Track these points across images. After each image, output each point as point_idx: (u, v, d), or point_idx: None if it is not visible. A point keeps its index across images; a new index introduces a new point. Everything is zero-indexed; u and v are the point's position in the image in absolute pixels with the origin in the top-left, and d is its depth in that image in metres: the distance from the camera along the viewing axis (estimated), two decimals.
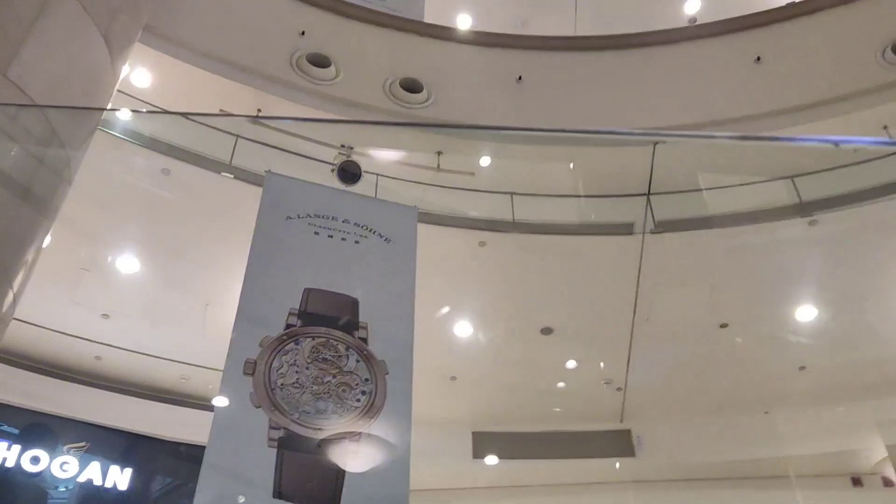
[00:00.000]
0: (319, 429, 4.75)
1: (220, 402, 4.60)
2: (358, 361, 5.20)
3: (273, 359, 5.00)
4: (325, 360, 5.14)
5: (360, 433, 4.79)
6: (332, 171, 6.30)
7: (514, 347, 9.87)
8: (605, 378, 10.35)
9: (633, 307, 8.97)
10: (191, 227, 8.07)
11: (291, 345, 5.11)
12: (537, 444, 10.78)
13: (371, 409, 4.98)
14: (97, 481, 9.48)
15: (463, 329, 9.32)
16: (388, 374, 5.20)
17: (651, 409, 10.92)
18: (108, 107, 4.59)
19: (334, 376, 5.05)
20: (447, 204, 7.38)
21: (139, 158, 7.14)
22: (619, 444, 10.96)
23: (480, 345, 9.67)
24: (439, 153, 7.14)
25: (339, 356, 5.19)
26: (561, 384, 10.31)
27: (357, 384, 5.08)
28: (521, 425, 10.77)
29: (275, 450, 4.53)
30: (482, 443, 10.84)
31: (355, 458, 4.64)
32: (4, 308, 3.37)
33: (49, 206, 3.79)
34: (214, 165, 6.81)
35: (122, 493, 9.60)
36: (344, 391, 5.01)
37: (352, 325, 5.39)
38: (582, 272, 8.57)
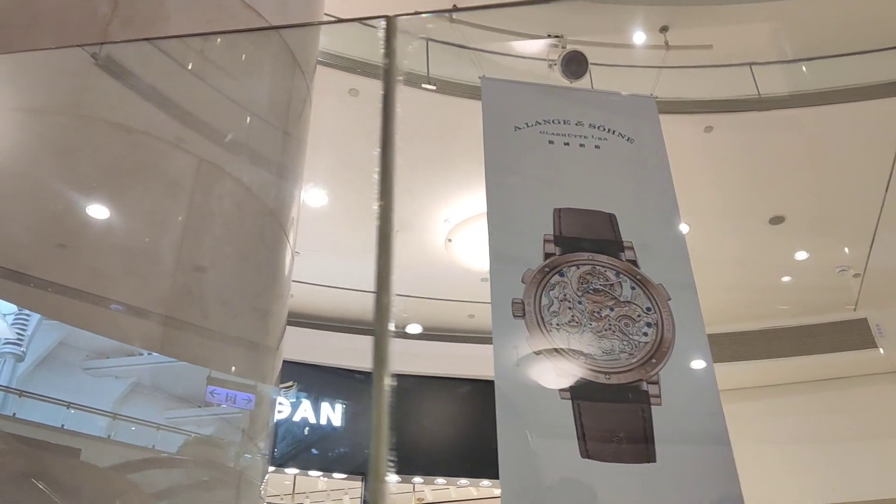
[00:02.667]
0: (611, 371, 4.12)
1: (498, 346, 4.02)
2: (633, 289, 4.51)
3: (541, 295, 4.38)
4: (596, 290, 4.49)
5: (656, 372, 4.13)
6: (551, 66, 5.42)
7: (735, 243, 8.84)
8: (839, 265, 9.18)
9: (886, 181, 7.68)
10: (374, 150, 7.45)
11: (556, 277, 4.48)
12: (760, 342, 9.88)
13: (662, 344, 4.29)
14: (311, 419, 9.55)
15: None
16: (670, 299, 4.49)
17: (893, 294, 9.70)
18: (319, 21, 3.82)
19: (612, 308, 4.40)
20: (670, 87, 6.32)
21: (319, 79, 6.52)
22: (856, 334, 9.87)
23: (696, 244, 8.72)
24: (664, 28, 6.06)
25: (611, 284, 4.51)
26: (786, 278, 9.25)
27: (639, 315, 4.40)
28: (742, 324, 9.86)
29: (569, 401, 3.96)
30: None
31: (660, 401, 4.00)
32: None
33: (302, 144, 3.13)
34: (410, 78, 6.12)
35: (336, 428, 9.64)
36: (626, 325, 4.35)
37: (616, 247, 4.68)
38: (825, 148, 7.34)
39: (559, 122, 5.25)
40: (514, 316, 4.25)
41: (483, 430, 11.59)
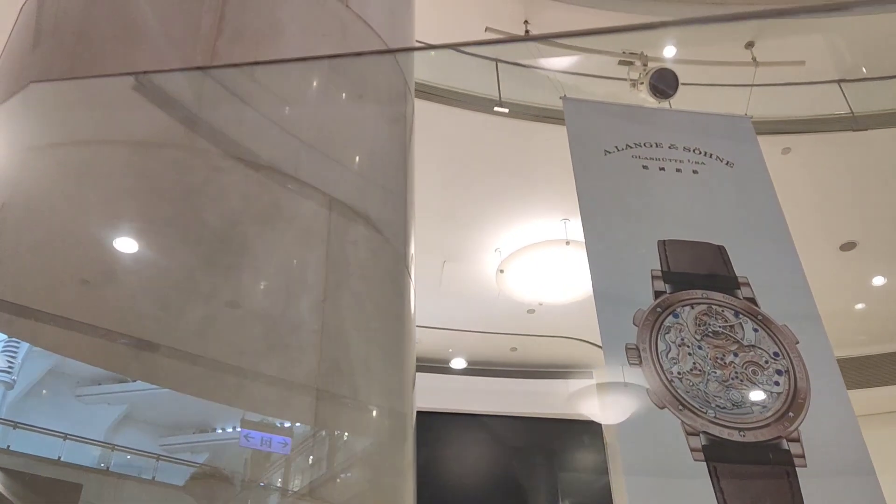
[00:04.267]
0: (745, 427, 3.66)
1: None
2: (756, 331, 4.06)
3: (656, 340, 3.94)
4: (716, 333, 4.04)
5: (796, 428, 3.67)
6: (634, 84, 5.01)
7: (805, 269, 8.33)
8: None
9: None
10: (423, 175, 7.01)
11: (670, 318, 4.04)
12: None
13: (797, 394, 3.84)
14: None
15: None
16: (798, 342, 4.04)
17: None
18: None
19: (735, 354, 3.96)
20: (746, 105, 5.90)
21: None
22: None
23: None
24: (750, 44, 5.66)
25: (731, 326, 4.07)
26: (860, 305, 8.79)
27: (766, 361, 3.96)
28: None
29: (703, 463, 3.50)
30: None
31: (804, 462, 3.54)
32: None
33: (412, 173, 2.71)
34: (466, 101, 5.70)
35: None
36: (755, 373, 3.90)
37: (730, 282, 4.24)
38: None
39: (651, 146, 4.84)
40: (630, 363, 3.80)
41: (523, 468, 11.07)
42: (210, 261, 1.86)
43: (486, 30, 5.37)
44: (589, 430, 10.85)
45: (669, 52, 5.63)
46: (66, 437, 1.68)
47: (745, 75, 5.75)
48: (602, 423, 10.79)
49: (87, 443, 1.79)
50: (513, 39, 5.02)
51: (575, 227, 7.71)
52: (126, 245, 1.82)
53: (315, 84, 2.43)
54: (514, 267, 7.78)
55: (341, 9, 2.66)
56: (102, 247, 1.80)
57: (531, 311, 9.42)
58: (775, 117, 6.19)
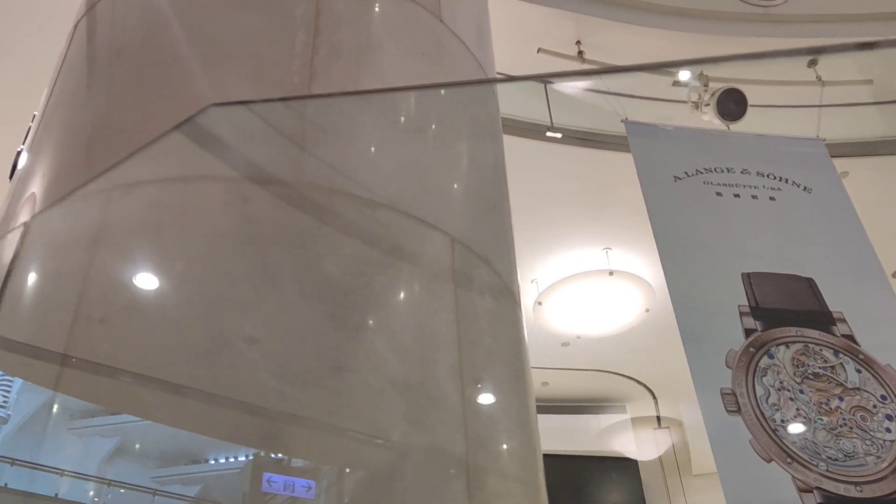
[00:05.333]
0: (861, 481, 3.32)
1: (720, 456, 3.22)
2: (859, 371, 3.74)
3: (753, 384, 3.61)
4: (816, 375, 3.72)
5: None
6: (697, 106, 4.74)
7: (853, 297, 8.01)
8: None
9: None
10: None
11: (765, 359, 3.72)
12: None
13: None
14: None
15: None
16: None
17: None
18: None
19: (840, 398, 3.63)
20: (805, 127, 5.61)
21: None
22: None
23: None
24: (812, 62, 5.39)
25: (831, 367, 3.75)
26: None
27: (875, 406, 3.63)
28: None
29: None
30: None
31: None
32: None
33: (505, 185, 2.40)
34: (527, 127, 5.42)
35: None
36: (863, 419, 3.57)
37: (824, 318, 3.92)
38: None
39: (722, 171, 4.55)
40: (728, 411, 3.47)
41: None
42: (336, 319, 1.55)
43: (538, 51, 5.11)
44: (623, 468, 10.42)
45: (730, 71, 5.37)
46: (62, 473, 1.58)
47: (807, 95, 5.49)
48: (639, 459, 10.39)
49: (83, 478, 1.65)
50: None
51: (617, 257, 7.41)
52: (238, 304, 1.50)
53: (423, 110, 2.14)
54: (553, 298, 7.46)
55: (435, 23, 2.38)
56: (210, 308, 1.48)
57: (566, 345, 9.09)
58: (834, 139, 5.91)
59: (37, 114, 2.24)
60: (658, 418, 10.44)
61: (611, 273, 7.12)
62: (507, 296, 2.03)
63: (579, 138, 6.07)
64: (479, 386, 1.74)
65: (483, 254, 1.98)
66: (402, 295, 1.70)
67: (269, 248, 1.59)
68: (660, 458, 10.49)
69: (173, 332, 1.45)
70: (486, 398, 1.75)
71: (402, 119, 2.07)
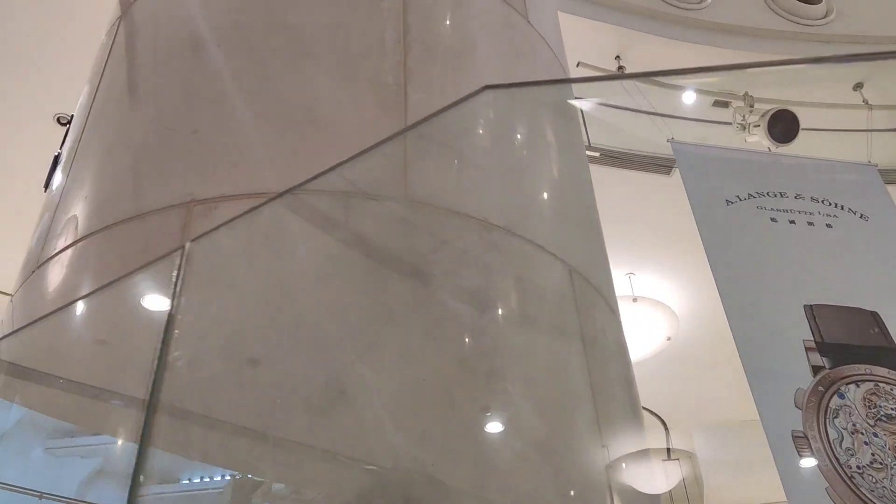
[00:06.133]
0: None
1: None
2: None
3: (825, 426, 3.36)
4: (889, 417, 3.47)
5: None
6: (744, 127, 4.54)
7: None
8: None
9: None
10: None
11: (835, 399, 3.48)
12: None
13: None
14: None
15: None
16: None
17: None
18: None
19: None
20: (869, 152, 5.41)
21: None
22: None
23: None
24: (858, 85, 5.22)
25: None
26: None
27: None
28: None
29: None
30: None
31: None
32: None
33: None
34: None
35: None
36: None
37: (894, 356, 3.69)
38: None
39: (775, 195, 4.34)
40: (801, 455, 3.23)
41: None
42: (466, 365, 1.29)
43: (577, 65, 4.91)
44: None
45: (773, 92, 5.19)
46: (41, 495, 1.51)
47: (853, 119, 5.30)
48: (648, 493, 10.07)
49: (60, 500, 1.57)
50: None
51: (641, 282, 7.17)
52: (356, 348, 1.24)
53: (527, 122, 1.90)
54: None
55: (524, 24, 2.15)
56: (324, 352, 1.23)
57: None
58: (886, 165, 5.71)
59: (75, 116, 1.98)
60: (668, 450, 10.15)
61: (634, 300, 6.89)
62: (618, 329, 1.79)
63: (606, 156, 5.87)
64: (616, 440, 1.49)
65: (596, 284, 1.74)
66: (531, 335, 1.45)
67: (384, 277, 1.34)
68: (670, 492, 10.20)
69: (280, 380, 1.19)
70: (624, 458, 1.50)
71: (508, 132, 1.83)
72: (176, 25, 1.84)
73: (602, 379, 1.51)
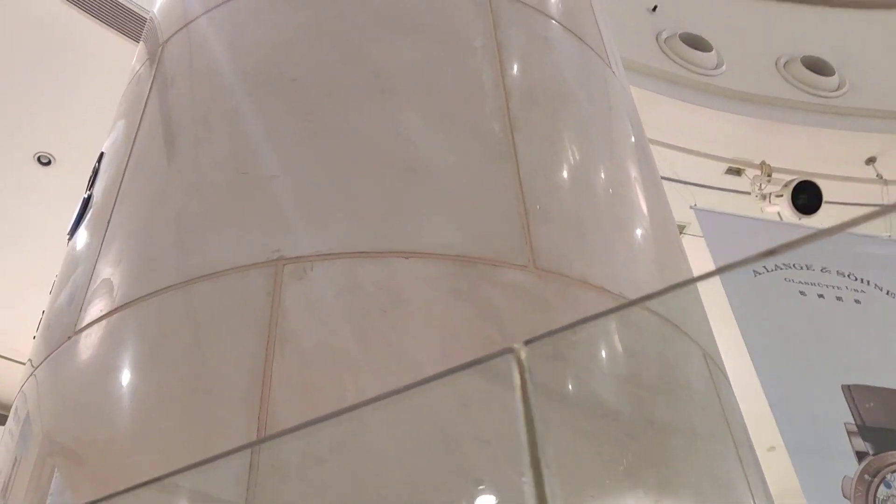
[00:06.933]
0: None
1: None
2: None
3: None
4: None
5: None
6: (765, 197, 4.44)
7: None
8: None
9: None
10: None
11: (882, 489, 3.27)
12: None
13: None
14: None
15: None
16: None
17: None
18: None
19: None
20: (890, 226, 5.33)
21: None
22: None
23: None
24: (871, 160, 5.19)
25: None
26: None
27: None
28: None
29: None
30: None
31: None
32: None
33: None
34: None
35: None
36: None
37: None
38: None
39: (802, 268, 4.20)
40: None
41: None
42: (630, 476, 1.05)
43: None
44: None
45: (788, 161, 5.12)
46: None
47: (868, 193, 5.25)
48: None
49: None
50: None
51: None
52: (492, 451, 1.00)
53: (644, 178, 1.69)
54: None
55: (609, 74, 1.98)
56: (453, 459, 0.98)
57: None
58: None
59: (108, 155, 1.73)
60: None
61: None
62: (741, 420, 1.56)
63: None
64: None
65: (723, 369, 1.53)
66: (691, 440, 1.20)
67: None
68: None
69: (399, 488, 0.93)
70: None
71: (628, 194, 1.62)
72: (237, 54, 1.61)
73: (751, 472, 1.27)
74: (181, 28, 1.82)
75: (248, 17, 1.71)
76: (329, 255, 1.19)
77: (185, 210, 1.35)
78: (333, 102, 1.46)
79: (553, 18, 1.87)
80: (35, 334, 1.56)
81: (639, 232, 1.56)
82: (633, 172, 1.71)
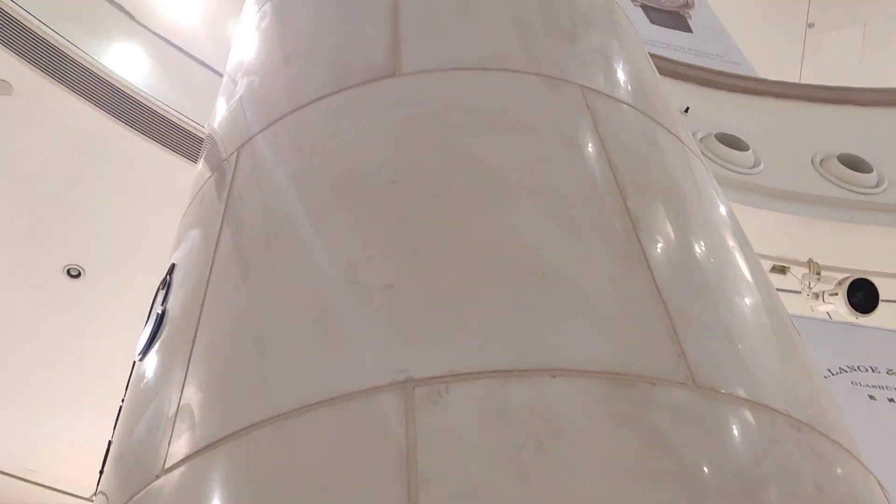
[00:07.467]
0: None
1: None
2: None
3: None
4: None
5: None
6: (818, 296, 4.29)
7: None
8: None
9: None
10: None
11: None
12: None
13: None
14: None
15: None
16: None
17: None
18: None
19: None
20: None
21: None
22: None
23: None
24: None
25: None
26: None
27: None
28: None
29: None
30: None
31: None
32: None
33: None
34: None
35: None
36: None
37: None
38: None
39: (867, 370, 3.98)
40: None
41: None
42: None
43: None
44: None
45: (836, 259, 4.99)
46: None
47: None
48: None
49: None
50: None
51: None
52: None
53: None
54: None
55: (705, 171, 1.88)
56: None
57: None
58: None
59: (181, 267, 1.60)
60: None
61: None
62: None
63: None
64: None
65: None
66: None
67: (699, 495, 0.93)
68: None
69: None
70: None
71: (753, 294, 1.48)
72: (326, 158, 1.51)
73: None
74: (245, 143, 1.73)
75: (320, 124, 1.62)
76: (465, 374, 1.04)
77: (287, 326, 1.21)
78: (442, 205, 1.34)
79: (643, 112, 1.79)
80: (102, 468, 1.40)
81: (777, 336, 1.42)
82: (746, 271, 1.57)
